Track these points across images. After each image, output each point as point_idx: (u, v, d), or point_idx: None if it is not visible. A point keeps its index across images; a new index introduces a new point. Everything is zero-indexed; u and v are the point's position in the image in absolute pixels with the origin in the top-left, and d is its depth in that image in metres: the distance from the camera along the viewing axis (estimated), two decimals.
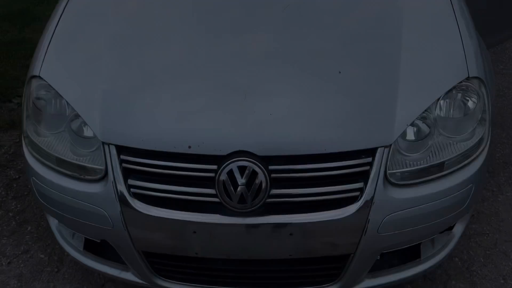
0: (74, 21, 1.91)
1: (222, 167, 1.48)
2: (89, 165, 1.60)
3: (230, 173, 1.47)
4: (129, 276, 1.79)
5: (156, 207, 1.54)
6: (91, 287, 2.07)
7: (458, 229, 1.83)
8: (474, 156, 1.65)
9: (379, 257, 1.68)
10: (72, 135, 1.64)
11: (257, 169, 1.47)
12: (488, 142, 1.71)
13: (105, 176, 1.58)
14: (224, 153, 1.49)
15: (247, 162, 1.47)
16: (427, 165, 1.57)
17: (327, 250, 1.57)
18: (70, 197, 1.63)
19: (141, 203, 1.54)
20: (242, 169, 1.47)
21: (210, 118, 1.53)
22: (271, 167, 1.49)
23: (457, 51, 1.73)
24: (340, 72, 1.62)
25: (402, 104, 1.58)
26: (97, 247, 1.84)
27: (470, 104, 1.65)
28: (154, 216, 1.53)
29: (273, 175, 1.49)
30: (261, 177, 1.47)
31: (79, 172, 1.62)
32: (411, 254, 1.79)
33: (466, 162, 1.63)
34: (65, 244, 1.90)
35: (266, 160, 1.49)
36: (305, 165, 1.50)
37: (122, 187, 1.54)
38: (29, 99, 1.75)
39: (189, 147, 1.50)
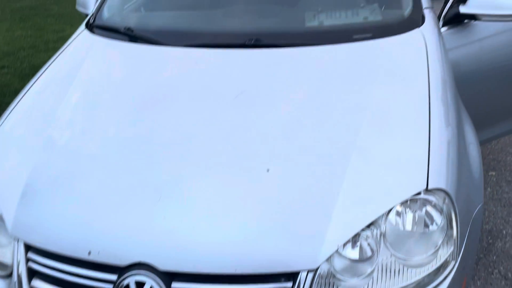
0: (38, 91, 1.90)
1: (119, 280, 1.31)
2: None
3: None
4: None
5: None
6: None
7: None
8: (434, 285, 1.34)
9: None
10: None
11: (156, 286, 1.28)
12: (456, 266, 1.39)
13: (11, 273, 1.47)
14: (123, 263, 1.32)
15: (145, 277, 1.29)
16: None
17: None
18: None
19: None
20: (140, 285, 1.29)
21: (114, 222, 1.38)
22: (174, 285, 1.29)
23: (421, 153, 1.46)
24: (268, 170, 1.42)
25: (338, 216, 1.32)
26: None
27: (428, 221, 1.36)
28: None
29: None
30: None
31: None
32: None
33: None
34: None
35: (168, 276, 1.30)
36: (212, 285, 1.28)
37: None
38: None
39: (89, 253, 1.35)
